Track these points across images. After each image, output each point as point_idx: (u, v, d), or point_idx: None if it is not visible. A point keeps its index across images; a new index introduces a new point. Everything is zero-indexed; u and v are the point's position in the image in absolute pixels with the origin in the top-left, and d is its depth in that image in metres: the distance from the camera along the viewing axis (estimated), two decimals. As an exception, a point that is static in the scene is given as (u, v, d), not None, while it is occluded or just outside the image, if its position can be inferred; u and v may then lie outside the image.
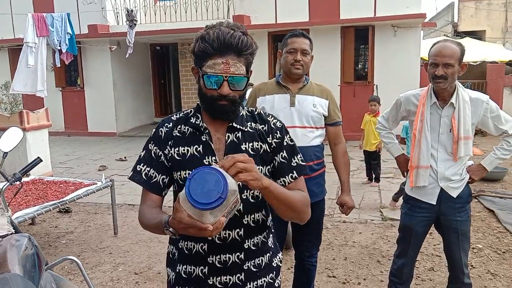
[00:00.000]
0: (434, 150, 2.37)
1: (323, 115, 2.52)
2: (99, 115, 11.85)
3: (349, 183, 2.66)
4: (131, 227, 4.72)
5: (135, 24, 7.83)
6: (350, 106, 10.05)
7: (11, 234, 2.08)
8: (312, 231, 2.64)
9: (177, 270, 1.47)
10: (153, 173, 1.43)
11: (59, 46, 5.61)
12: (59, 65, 6.57)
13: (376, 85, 10.02)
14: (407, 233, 2.51)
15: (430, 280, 3.34)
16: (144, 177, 1.43)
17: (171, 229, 1.20)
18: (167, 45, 13.59)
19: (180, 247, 1.46)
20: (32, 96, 11.94)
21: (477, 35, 15.66)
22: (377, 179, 6.28)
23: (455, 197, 2.38)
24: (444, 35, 16.04)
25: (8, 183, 2.18)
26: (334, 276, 3.44)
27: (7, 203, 2.21)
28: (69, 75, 12.23)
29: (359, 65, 10.67)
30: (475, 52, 11.04)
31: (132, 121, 12.57)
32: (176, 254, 1.49)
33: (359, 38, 10.23)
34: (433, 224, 2.51)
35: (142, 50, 12.79)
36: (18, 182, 2.24)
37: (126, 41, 8.05)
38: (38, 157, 2.28)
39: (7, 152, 2.18)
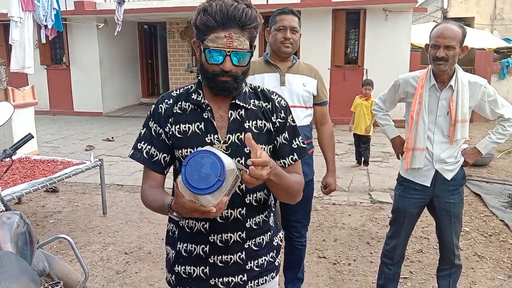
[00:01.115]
0: (431, 132, 2.38)
1: (313, 94, 2.51)
2: (85, 95, 11.62)
3: (335, 163, 2.66)
4: (120, 207, 4.68)
5: (124, 1, 7.62)
6: (340, 90, 10.04)
7: (1, 211, 2.03)
8: (301, 211, 2.64)
9: (177, 248, 1.45)
10: (154, 152, 1.39)
11: (45, 21, 5.42)
12: (44, 41, 6.37)
13: (366, 69, 10.01)
14: (400, 214, 2.53)
15: (419, 261, 3.39)
16: (145, 155, 1.39)
17: (175, 214, 1.19)
18: (155, 24, 13.33)
19: (181, 225, 1.44)
20: (16, 73, 11.68)
21: (466, 21, 15.68)
22: (366, 163, 6.32)
23: (449, 179, 2.39)
24: (434, 21, 16.06)
25: (-2, 160, 2.11)
26: (324, 257, 3.47)
27: (-3, 180, 2.15)
28: (54, 52, 11.91)
29: (350, 49, 10.63)
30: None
31: (119, 101, 12.36)
32: (176, 232, 1.47)
33: (351, 21, 10.16)
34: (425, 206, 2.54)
35: (130, 29, 12.52)
36: (8, 159, 2.17)
37: (114, 19, 7.85)
38: (30, 133, 2.21)
39: (-4, 128, 2.11)
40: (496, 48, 11.76)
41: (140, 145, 1.40)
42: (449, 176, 2.39)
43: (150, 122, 1.41)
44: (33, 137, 2.22)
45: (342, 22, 10.11)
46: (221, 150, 1.31)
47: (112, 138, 8.44)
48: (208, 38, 1.27)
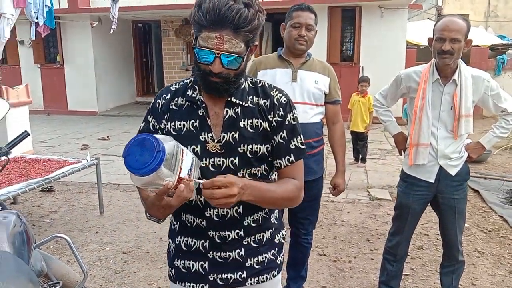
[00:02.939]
0: (435, 128, 2.35)
1: (324, 92, 2.46)
2: (79, 94, 11.52)
3: (344, 164, 2.62)
4: (117, 207, 4.63)
5: (118, -2, 7.55)
6: (336, 88, 10.02)
7: (-2, 211, 1.98)
8: (309, 208, 2.60)
9: (177, 242, 1.43)
10: None
11: (36, 18, 5.33)
12: (34, 39, 6.26)
13: (362, 67, 10.00)
14: (403, 211, 2.50)
15: (420, 258, 3.37)
16: None
17: (152, 219, 1.24)
18: (150, 22, 13.25)
19: (182, 219, 1.41)
20: (10, 71, 11.57)
21: (460, 19, 15.75)
22: (364, 160, 6.30)
23: (453, 175, 2.37)
24: (428, 18, 16.10)
25: (-6, 158, 2.06)
26: (325, 254, 3.44)
27: (-8, 179, 2.09)
28: (48, 51, 11.80)
29: (345, 46, 10.61)
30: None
31: (113, 100, 12.27)
32: (176, 225, 1.44)
33: (346, 18, 10.14)
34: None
35: (124, 27, 12.42)
36: (4, 157, 2.12)
37: (109, 17, 7.75)
38: (25, 131, 2.16)
39: (-9, 125, 2.05)
40: (490, 45, 11.79)
41: None
42: (453, 171, 2.37)
43: (149, 116, 1.38)
44: (29, 135, 2.17)
45: (338, 19, 10.08)
46: (214, 150, 1.30)
47: (108, 137, 8.37)
48: (200, 36, 1.21)
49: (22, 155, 4.54)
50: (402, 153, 2.60)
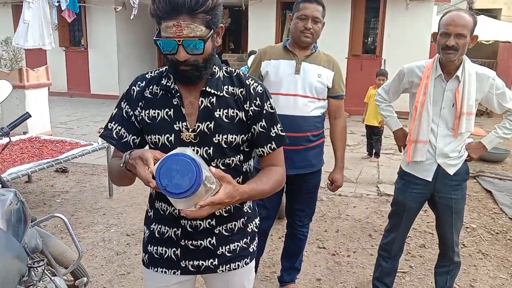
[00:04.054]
0: (435, 124, 2.30)
1: (327, 87, 2.43)
2: (102, 77, 11.73)
3: (344, 160, 2.59)
4: (126, 190, 4.72)
5: (139, -16, 7.60)
6: (356, 80, 9.88)
7: (-3, 188, 2.05)
8: (305, 200, 2.60)
9: (151, 229, 1.46)
10: (123, 133, 1.36)
11: (57, 2, 5.44)
12: (56, 23, 6.41)
13: (384, 60, 9.82)
14: (399, 208, 2.47)
15: (421, 256, 3.34)
16: (115, 135, 1.37)
17: (123, 165, 1.22)
18: (173, 8, 13.29)
19: (156, 207, 1.44)
20: (35, 53, 11.85)
21: (492, 13, 15.20)
22: (377, 155, 6.22)
23: (452, 174, 2.32)
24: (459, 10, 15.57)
25: (-5, 137, 2.14)
26: (324, 248, 3.44)
27: (-6, 158, 2.17)
28: (73, 35, 12.04)
29: (368, 38, 10.43)
30: (488, 31, 10.72)
31: (135, 84, 12.43)
32: (151, 213, 1.47)
33: (370, 10, 9.95)
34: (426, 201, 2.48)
35: (147, 12, 12.49)
36: (6, 137, 2.19)
37: (130, 2, 7.84)
38: (27, 112, 2.23)
39: (-6, 105, 2.12)
40: (522, 41, 11.37)
41: (110, 125, 1.38)
42: (451, 171, 2.32)
43: (122, 103, 1.38)
44: (30, 116, 2.23)
45: (361, 10, 9.90)
46: (189, 140, 1.30)
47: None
48: (161, 28, 1.22)
49: (38, 135, 4.67)
50: (402, 149, 2.56)
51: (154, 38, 1.24)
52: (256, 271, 2.71)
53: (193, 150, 1.30)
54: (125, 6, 10.92)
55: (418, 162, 2.35)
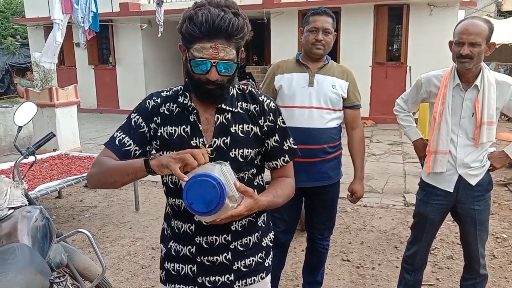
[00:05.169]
0: (454, 135, 2.26)
1: (342, 97, 2.43)
2: (130, 94, 12.04)
3: (363, 170, 2.57)
4: (152, 203, 4.82)
5: (163, 2, 7.81)
6: (381, 88, 9.78)
7: (24, 205, 2.14)
8: (324, 214, 2.59)
9: (169, 246, 1.49)
10: (127, 141, 1.38)
11: (82, 23, 5.68)
12: (83, 42, 6.66)
13: (410, 67, 9.68)
14: (421, 220, 2.43)
15: (448, 268, 3.25)
16: (117, 143, 1.38)
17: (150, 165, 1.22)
18: (197, 24, 13.54)
19: (172, 225, 1.47)
20: (66, 73, 12.32)
21: (522, 15, 14.76)
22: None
23: (474, 185, 2.26)
24: (487, 15, 15.23)
25: (22, 157, 2.24)
26: (348, 260, 3.40)
27: (22, 176, 2.27)
28: (101, 53, 12.44)
29: (392, 46, 10.31)
30: (518, 33, 10.40)
31: (162, 100, 12.69)
32: (168, 231, 1.50)
33: (393, 17, 9.85)
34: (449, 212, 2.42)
35: (172, 29, 12.74)
36: (32, 156, 2.29)
37: (155, 20, 8.07)
38: (51, 132, 2.33)
39: (21, 126, 2.23)
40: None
41: (116, 134, 1.41)
42: (473, 181, 2.26)
43: (132, 114, 1.41)
44: (54, 135, 2.33)
45: (384, 18, 9.82)
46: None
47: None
48: (193, 47, 1.26)
49: (67, 152, 4.84)
50: (422, 160, 2.52)
51: (188, 58, 1.28)
52: (278, 285, 2.72)
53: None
54: (151, 23, 11.23)
55: (438, 173, 2.30)
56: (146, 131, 1.39)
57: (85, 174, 3.91)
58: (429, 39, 9.33)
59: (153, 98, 1.42)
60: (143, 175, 1.26)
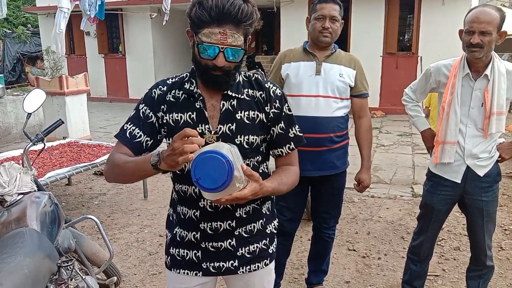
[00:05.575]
0: (463, 125, 2.23)
1: (349, 86, 2.41)
2: (139, 82, 12.08)
3: (370, 159, 2.56)
4: (161, 191, 4.86)
5: (171, -10, 7.80)
6: (392, 78, 9.69)
7: (33, 191, 2.17)
8: (331, 203, 2.59)
9: (174, 232, 1.51)
10: (137, 133, 1.40)
11: (89, 11, 5.70)
12: (86, 30, 6.68)
13: (421, 57, 9.56)
14: (428, 211, 2.42)
15: (454, 259, 3.23)
16: (128, 135, 1.40)
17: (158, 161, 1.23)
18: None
19: (178, 211, 1.48)
20: (76, 61, 12.39)
21: (538, 4, 14.45)
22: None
23: (482, 176, 2.24)
24: (502, 4, 14.94)
25: (31, 143, 2.27)
26: (354, 250, 3.40)
27: (31, 163, 2.30)
28: (111, 42, 12.48)
29: (404, 35, 10.18)
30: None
31: (171, 89, 12.73)
32: (174, 216, 1.52)
33: (405, 6, 9.72)
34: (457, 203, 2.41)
35: (181, 17, 12.78)
36: (41, 143, 2.32)
37: (162, 8, 8.07)
38: (60, 119, 2.35)
39: (30, 113, 2.26)
40: None
41: (126, 126, 1.42)
42: (481, 172, 2.24)
43: (140, 105, 1.43)
44: (63, 123, 2.35)
45: (396, 7, 9.69)
46: (211, 141, 1.34)
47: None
48: (202, 32, 1.26)
49: (76, 140, 4.88)
50: (430, 150, 2.50)
51: (196, 43, 1.28)
52: (283, 273, 2.74)
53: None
54: (160, 12, 11.20)
55: (446, 163, 2.28)
56: (154, 121, 1.40)
57: (95, 162, 3.96)
58: (441, 29, 9.19)
59: (159, 86, 1.43)
60: (154, 173, 1.27)
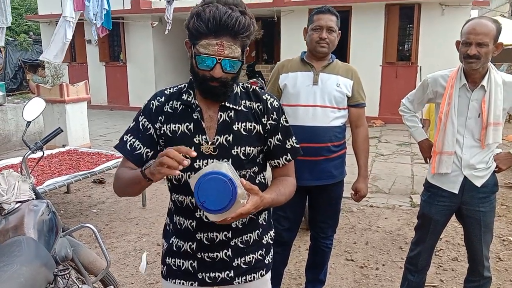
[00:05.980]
0: (460, 135, 2.24)
1: (347, 96, 2.43)
2: (140, 91, 12.11)
3: (367, 169, 2.57)
4: (159, 200, 4.85)
5: (173, 0, 7.86)
6: (392, 88, 9.72)
7: (31, 199, 2.18)
8: (328, 212, 2.59)
9: (170, 241, 1.51)
10: (137, 145, 1.41)
11: (94, 20, 5.73)
12: (96, 39, 6.73)
13: (420, 67, 9.57)
14: (425, 221, 2.42)
15: (452, 270, 3.23)
16: (128, 148, 1.42)
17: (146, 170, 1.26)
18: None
19: (174, 221, 1.49)
20: (77, 69, 12.45)
21: (537, 15, 14.55)
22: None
23: (479, 186, 2.25)
24: (501, 15, 15.05)
25: (30, 151, 2.28)
26: (352, 260, 3.40)
27: (30, 171, 2.31)
28: (112, 50, 12.54)
29: (403, 45, 10.24)
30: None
31: (171, 97, 12.77)
32: (170, 226, 1.52)
33: (404, 16, 9.78)
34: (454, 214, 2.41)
35: (182, 26, 12.85)
36: (40, 151, 2.32)
37: (165, 17, 8.12)
38: (59, 127, 2.36)
39: (30, 121, 2.27)
40: None
41: (125, 137, 1.44)
42: (479, 182, 2.25)
43: (139, 117, 1.44)
44: (62, 131, 2.36)
45: (395, 17, 9.76)
46: (208, 152, 1.35)
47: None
48: (199, 44, 1.27)
49: (76, 148, 4.89)
50: (428, 161, 2.51)
51: (194, 54, 1.30)
52: (281, 283, 2.73)
53: (212, 162, 1.35)
54: (162, 21, 11.28)
55: (443, 174, 2.29)
56: (152, 133, 1.42)
57: (94, 170, 3.96)
58: (440, 39, 9.25)
59: (157, 98, 1.44)
60: (149, 183, 1.30)
